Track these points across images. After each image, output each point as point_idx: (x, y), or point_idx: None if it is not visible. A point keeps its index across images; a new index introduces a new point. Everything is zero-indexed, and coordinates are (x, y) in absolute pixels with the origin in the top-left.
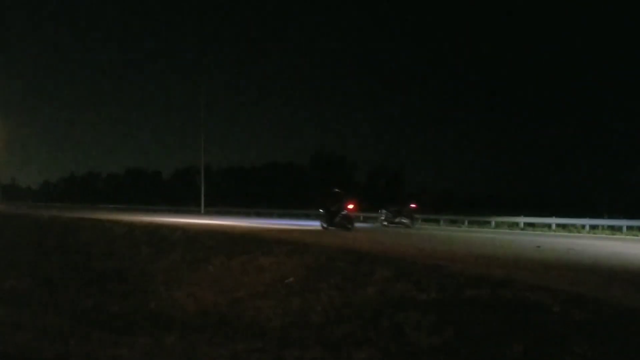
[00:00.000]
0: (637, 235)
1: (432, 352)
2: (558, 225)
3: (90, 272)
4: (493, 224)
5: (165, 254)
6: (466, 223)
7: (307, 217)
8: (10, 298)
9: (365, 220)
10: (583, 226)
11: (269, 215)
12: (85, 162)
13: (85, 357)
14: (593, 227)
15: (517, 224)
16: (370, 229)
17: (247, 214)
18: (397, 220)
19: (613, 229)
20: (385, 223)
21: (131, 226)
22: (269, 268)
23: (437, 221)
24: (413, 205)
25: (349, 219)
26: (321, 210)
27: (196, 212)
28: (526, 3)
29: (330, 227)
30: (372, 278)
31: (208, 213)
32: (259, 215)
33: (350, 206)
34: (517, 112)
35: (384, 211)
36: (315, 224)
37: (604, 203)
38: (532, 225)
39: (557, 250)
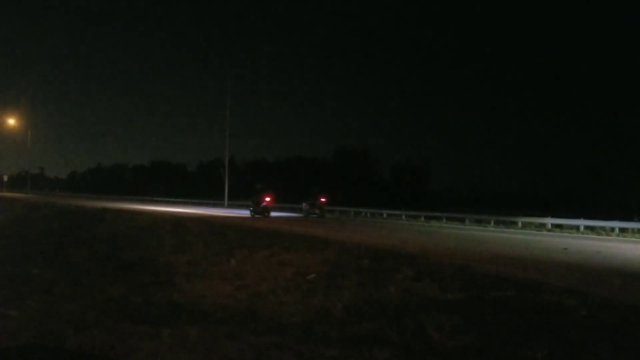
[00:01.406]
0: None
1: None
2: (586, 227)
3: (115, 262)
4: (520, 224)
5: (189, 246)
6: (492, 223)
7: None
8: (37, 286)
9: (295, 210)
10: (612, 229)
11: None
12: (112, 154)
13: (109, 348)
14: (623, 230)
15: (544, 225)
16: (292, 217)
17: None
18: (311, 211)
19: None
20: (305, 213)
21: (155, 217)
22: (291, 262)
23: (462, 220)
24: (323, 200)
25: (267, 209)
26: (251, 202)
27: (220, 205)
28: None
29: (255, 215)
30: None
31: (231, 206)
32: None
33: (268, 199)
34: (548, 111)
35: (304, 203)
36: None
37: (635, 206)
38: (559, 226)
39: (584, 253)
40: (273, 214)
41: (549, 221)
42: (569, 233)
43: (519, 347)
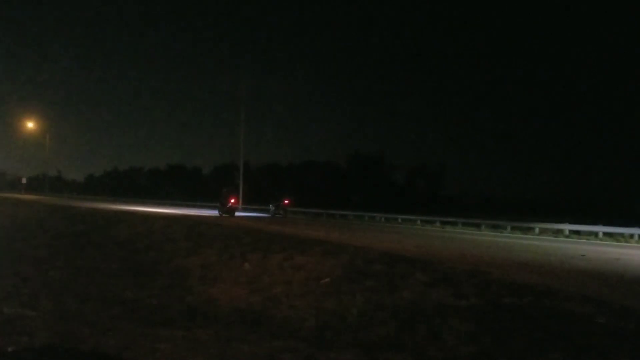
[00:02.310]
0: None
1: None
2: (605, 233)
3: (129, 265)
4: (537, 230)
5: (203, 249)
6: (508, 229)
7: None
8: (54, 288)
9: (262, 211)
10: (632, 235)
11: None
12: (128, 157)
13: (124, 349)
14: None
15: (561, 231)
16: (256, 217)
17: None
18: (277, 212)
19: None
20: (271, 214)
21: (170, 220)
22: (304, 266)
23: (477, 225)
24: (286, 202)
25: (232, 209)
26: (218, 203)
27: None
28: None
29: (223, 214)
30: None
31: (246, 209)
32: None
33: (232, 200)
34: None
35: (271, 205)
36: None
37: None
38: (577, 232)
39: (603, 260)
40: (238, 213)
41: (567, 227)
42: (587, 239)
43: (534, 355)
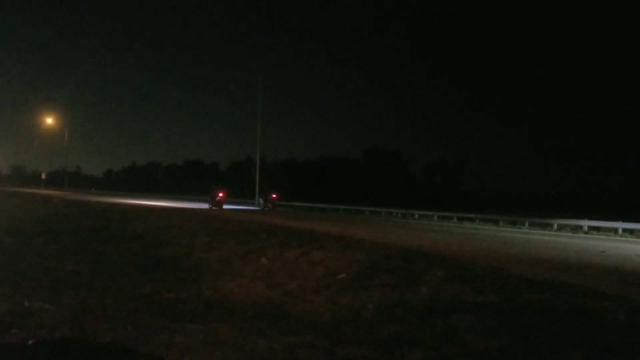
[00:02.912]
0: None
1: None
2: (625, 230)
3: (147, 259)
4: (555, 226)
5: (220, 243)
6: (526, 225)
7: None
8: (72, 281)
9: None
10: None
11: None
12: (147, 153)
13: (143, 343)
14: None
15: (580, 227)
16: (245, 209)
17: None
18: (265, 205)
19: None
20: (260, 207)
21: (187, 215)
22: (321, 262)
23: (495, 221)
24: (274, 196)
25: (220, 202)
26: (208, 197)
27: (251, 204)
28: None
29: (212, 207)
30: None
31: (235, 203)
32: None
33: (221, 194)
34: (587, 112)
35: (260, 198)
36: None
37: None
38: (596, 229)
39: (622, 256)
40: (227, 206)
41: (586, 223)
42: (607, 236)
43: (554, 352)
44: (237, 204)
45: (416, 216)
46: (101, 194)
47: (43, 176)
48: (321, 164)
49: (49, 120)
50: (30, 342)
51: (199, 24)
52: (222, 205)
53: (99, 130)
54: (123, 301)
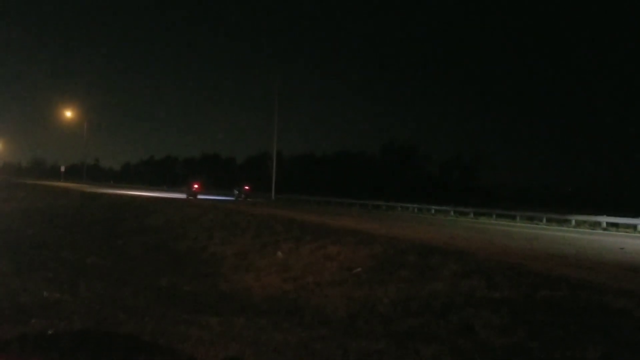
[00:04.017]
0: None
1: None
2: None
3: (165, 252)
4: (573, 222)
5: (236, 237)
6: (544, 220)
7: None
8: (90, 273)
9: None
10: None
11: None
12: (165, 147)
13: (160, 334)
14: None
15: (599, 224)
16: (221, 200)
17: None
18: (239, 196)
19: None
20: (235, 197)
21: (204, 209)
22: (337, 256)
23: (512, 217)
24: (247, 188)
25: (195, 193)
26: (184, 187)
27: (266, 198)
28: None
29: (189, 197)
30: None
31: (278, 199)
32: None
33: (196, 186)
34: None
35: (235, 190)
36: None
37: None
38: (615, 225)
39: None
40: (202, 196)
41: (604, 219)
42: (625, 232)
43: (570, 348)
44: (219, 194)
45: (432, 211)
46: (119, 186)
47: (62, 169)
48: (338, 159)
49: (68, 114)
50: (49, 332)
51: (218, 18)
52: (196, 196)
53: (117, 124)
54: (140, 293)
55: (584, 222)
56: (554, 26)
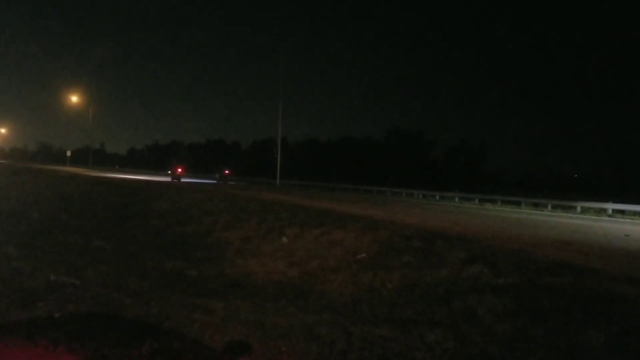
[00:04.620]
0: None
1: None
2: None
3: (170, 237)
4: (579, 209)
5: (241, 223)
6: (549, 207)
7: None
8: (97, 257)
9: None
10: None
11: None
12: (170, 131)
13: (165, 319)
14: None
15: (604, 210)
16: (204, 182)
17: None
18: (219, 179)
19: None
20: (216, 180)
21: (209, 194)
22: (341, 242)
23: (517, 203)
24: (226, 172)
25: (178, 176)
26: (169, 172)
27: (272, 184)
28: None
29: (173, 180)
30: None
31: (283, 185)
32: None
33: (179, 170)
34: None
35: (216, 174)
36: None
37: None
38: (621, 212)
39: None
40: (186, 179)
41: (610, 206)
42: (632, 219)
43: (575, 335)
44: (200, 178)
45: (437, 197)
46: (124, 171)
47: (68, 154)
48: (343, 145)
49: (74, 99)
50: (56, 315)
51: (223, 2)
52: (180, 179)
53: (123, 109)
54: (146, 278)
55: (590, 208)
56: (561, 9)
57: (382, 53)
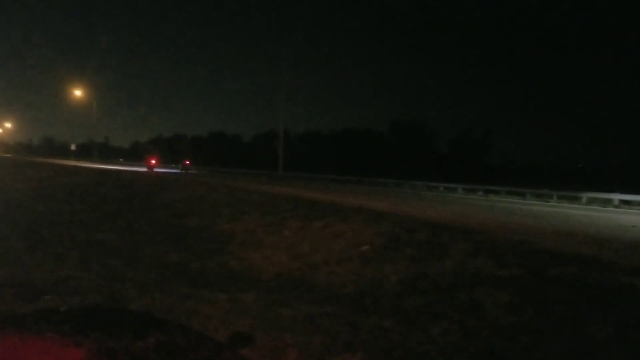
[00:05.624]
0: None
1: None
2: None
3: (173, 229)
4: (584, 200)
5: (244, 215)
6: (554, 198)
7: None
8: (102, 250)
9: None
10: None
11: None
12: (173, 125)
13: (169, 311)
14: None
15: (610, 201)
16: (171, 172)
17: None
18: (182, 169)
19: None
20: (180, 170)
21: (211, 187)
22: (344, 234)
23: (522, 195)
24: (187, 162)
25: (152, 167)
26: (144, 162)
27: (274, 176)
28: None
29: (148, 170)
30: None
31: (285, 177)
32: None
33: (153, 161)
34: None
35: (180, 164)
36: None
37: None
38: (627, 202)
39: None
40: (162, 170)
41: (616, 197)
42: (638, 210)
43: (581, 327)
44: (171, 168)
45: (441, 189)
46: (127, 164)
47: (72, 147)
48: (345, 136)
49: (78, 93)
50: (62, 308)
51: None
52: (153, 169)
53: (126, 102)
54: (150, 270)
55: (596, 199)
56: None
57: (384, 44)
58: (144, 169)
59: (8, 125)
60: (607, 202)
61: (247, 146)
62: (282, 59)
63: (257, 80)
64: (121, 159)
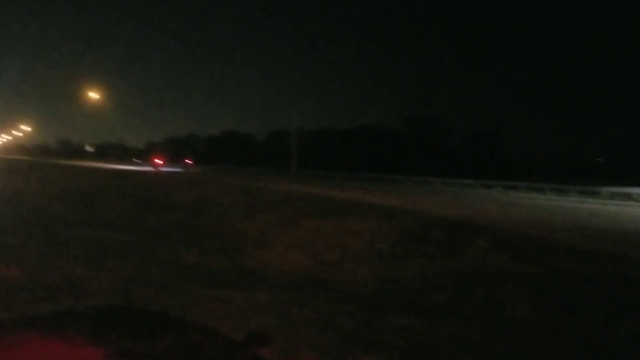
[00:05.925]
0: None
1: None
2: None
3: (189, 229)
4: (604, 194)
5: (258, 214)
6: (574, 193)
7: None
8: (117, 250)
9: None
10: None
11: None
12: (188, 124)
13: (186, 310)
14: None
15: (630, 195)
16: (178, 170)
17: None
18: (184, 167)
19: None
20: (182, 169)
21: (225, 186)
22: (360, 231)
23: (540, 190)
24: (188, 162)
25: (157, 165)
26: (151, 162)
27: (287, 174)
28: None
29: (154, 170)
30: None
31: (299, 175)
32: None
33: (158, 161)
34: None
35: (182, 164)
36: None
37: None
38: None
39: None
40: (168, 169)
41: (637, 191)
42: None
43: (600, 324)
44: (174, 167)
45: (457, 185)
46: (141, 164)
47: (88, 149)
48: (358, 134)
49: (94, 95)
50: (79, 309)
51: None
52: (159, 168)
53: (141, 103)
54: (166, 270)
55: (616, 193)
56: None
57: (397, 40)
58: (152, 169)
59: (28, 128)
60: (627, 197)
61: (260, 145)
62: (294, 57)
63: (271, 78)
64: (134, 159)
